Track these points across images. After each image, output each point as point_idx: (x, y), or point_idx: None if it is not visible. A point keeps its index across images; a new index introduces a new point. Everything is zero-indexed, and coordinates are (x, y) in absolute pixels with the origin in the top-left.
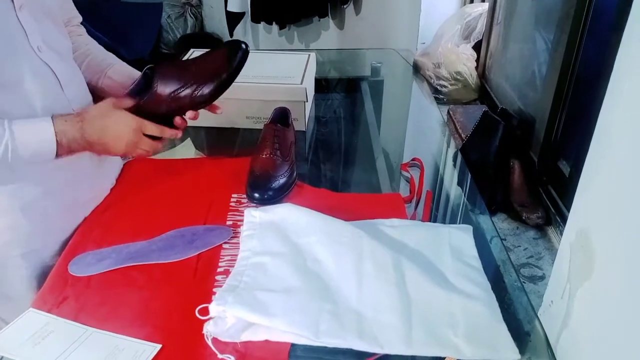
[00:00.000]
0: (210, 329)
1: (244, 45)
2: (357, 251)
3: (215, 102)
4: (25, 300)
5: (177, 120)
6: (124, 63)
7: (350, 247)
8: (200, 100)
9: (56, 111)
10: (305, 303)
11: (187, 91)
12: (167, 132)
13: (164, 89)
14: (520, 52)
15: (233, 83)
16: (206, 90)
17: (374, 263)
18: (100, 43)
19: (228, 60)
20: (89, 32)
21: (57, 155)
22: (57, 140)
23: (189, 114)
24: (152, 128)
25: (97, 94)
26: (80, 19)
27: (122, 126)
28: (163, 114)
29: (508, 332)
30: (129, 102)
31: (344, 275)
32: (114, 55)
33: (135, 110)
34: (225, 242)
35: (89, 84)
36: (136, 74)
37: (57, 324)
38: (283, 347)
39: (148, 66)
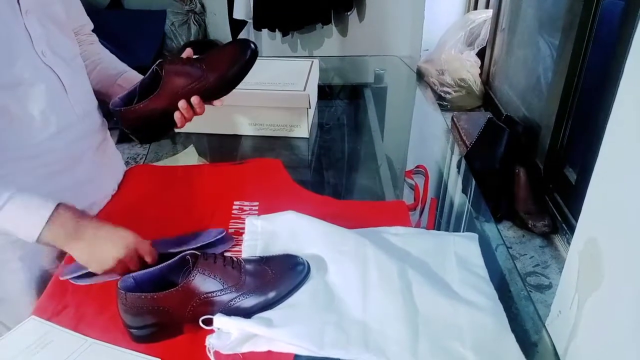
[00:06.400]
0: (213, 342)
1: (252, 45)
2: (361, 260)
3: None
4: (21, 303)
5: (182, 104)
6: (135, 71)
7: (354, 257)
8: (206, 95)
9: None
10: (309, 314)
11: (194, 86)
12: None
13: (172, 84)
14: (524, 58)
15: (235, 90)
16: (212, 82)
17: (379, 272)
18: None
19: (237, 57)
20: None
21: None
22: (48, 217)
23: (194, 99)
24: (145, 248)
25: (108, 100)
26: (92, 26)
27: (121, 233)
28: (169, 107)
29: (516, 344)
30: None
31: (348, 285)
32: (124, 64)
33: (144, 105)
34: (227, 251)
35: (99, 91)
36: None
37: (56, 333)
38: (286, 358)
39: (158, 61)
